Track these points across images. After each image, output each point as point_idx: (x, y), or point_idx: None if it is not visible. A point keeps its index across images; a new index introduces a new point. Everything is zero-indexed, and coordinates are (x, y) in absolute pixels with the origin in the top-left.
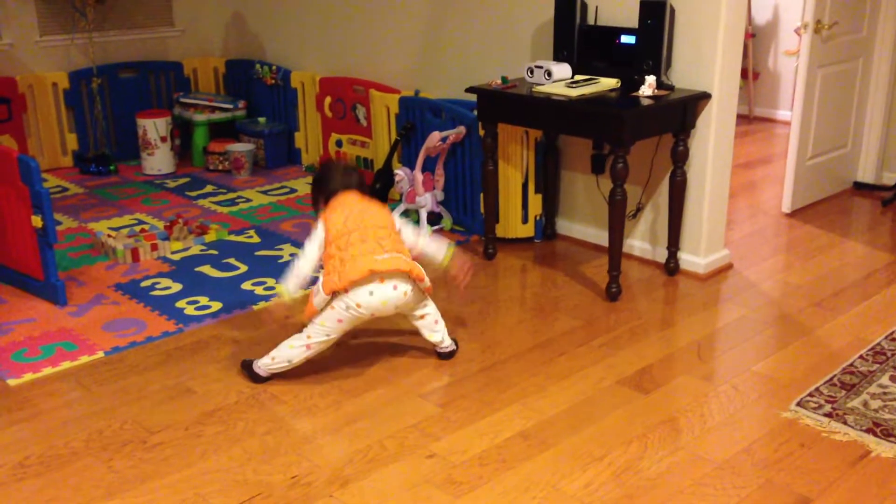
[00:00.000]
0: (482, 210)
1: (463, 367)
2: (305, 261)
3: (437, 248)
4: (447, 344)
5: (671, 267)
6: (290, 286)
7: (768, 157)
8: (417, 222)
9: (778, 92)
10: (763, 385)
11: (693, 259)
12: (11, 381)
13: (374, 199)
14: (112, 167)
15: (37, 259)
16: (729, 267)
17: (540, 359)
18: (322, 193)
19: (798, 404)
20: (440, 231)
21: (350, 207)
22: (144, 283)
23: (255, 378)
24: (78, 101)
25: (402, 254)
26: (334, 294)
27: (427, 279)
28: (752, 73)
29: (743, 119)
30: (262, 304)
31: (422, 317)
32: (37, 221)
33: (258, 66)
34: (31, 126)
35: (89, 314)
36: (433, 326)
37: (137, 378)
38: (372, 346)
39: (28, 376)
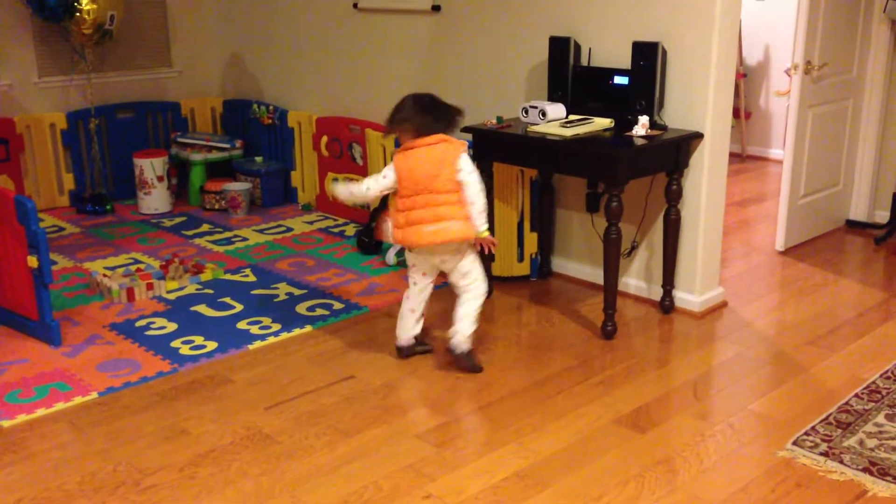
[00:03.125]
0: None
1: (459, 406)
2: (363, 192)
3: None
4: (458, 341)
5: (666, 305)
6: (339, 190)
7: (761, 196)
8: None
9: (770, 131)
10: (759, 424)
11: (688, 297)
12: (5, 423)
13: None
14: (108, 207)
15: (32, 299)
16: (723, 305)
17: (536, 397)
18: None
19: (794, 443)
20: None
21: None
22: (139, 323)
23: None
24: (75, 141)
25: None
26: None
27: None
28: (744, 113)
29: (736, 157)
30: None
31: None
32: (32, 262)
33: (255, 105)
34: (29, 166)
35: (84, 354)
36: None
37: (131, 419)
38: (367, 385)
39: (21, 417)
